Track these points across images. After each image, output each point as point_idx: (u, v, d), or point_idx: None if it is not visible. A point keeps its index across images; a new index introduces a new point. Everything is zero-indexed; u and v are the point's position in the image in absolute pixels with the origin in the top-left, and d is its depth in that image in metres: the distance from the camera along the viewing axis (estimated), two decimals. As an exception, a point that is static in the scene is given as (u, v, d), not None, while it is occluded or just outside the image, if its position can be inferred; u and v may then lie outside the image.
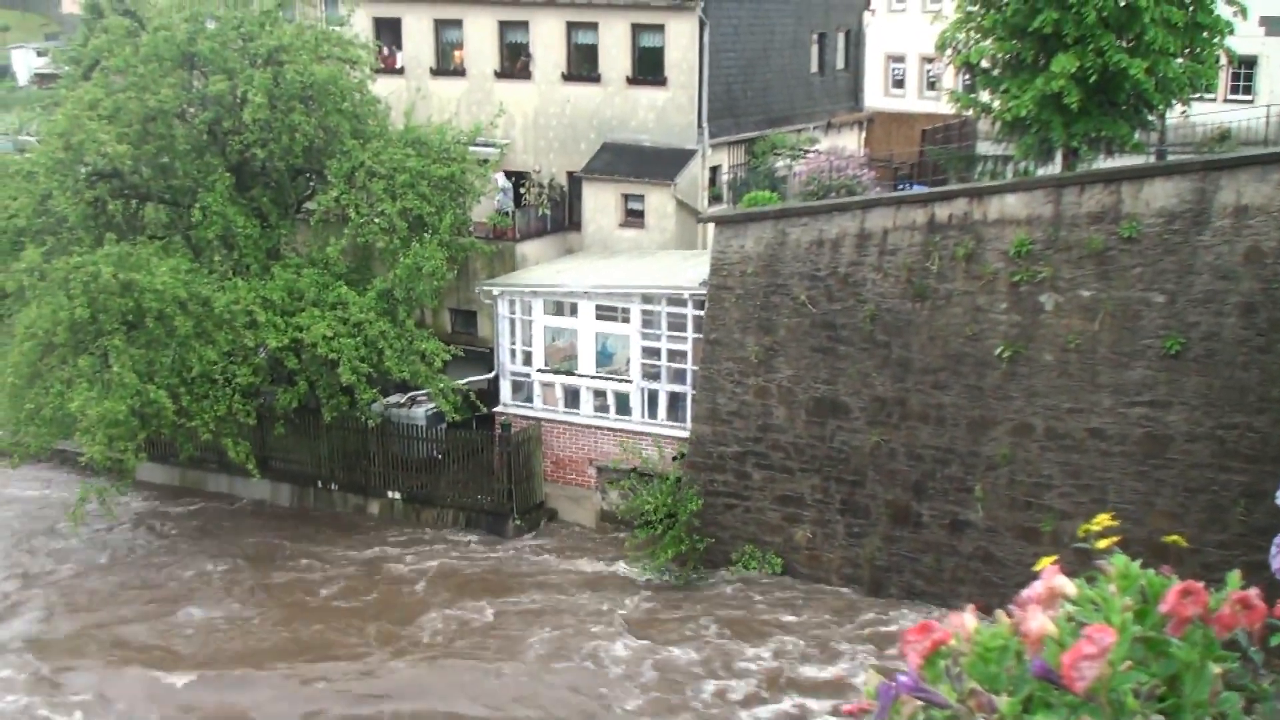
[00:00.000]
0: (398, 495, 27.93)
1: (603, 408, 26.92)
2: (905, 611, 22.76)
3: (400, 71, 33.32)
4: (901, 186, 32.12)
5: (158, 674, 21.47)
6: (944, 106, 38.37)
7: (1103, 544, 2.44)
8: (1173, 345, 20.98)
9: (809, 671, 21.09)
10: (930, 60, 47.92)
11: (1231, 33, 27.87)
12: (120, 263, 23.97)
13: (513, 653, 21.90)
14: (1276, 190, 20.54)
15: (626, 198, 30.81)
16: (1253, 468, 20.49)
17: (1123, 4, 26.11)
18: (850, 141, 37.63)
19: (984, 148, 35.39)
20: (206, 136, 27.35)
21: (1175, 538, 18.29)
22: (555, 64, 31.95)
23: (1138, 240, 21.32)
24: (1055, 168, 29.05)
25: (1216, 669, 2.17)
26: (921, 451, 22.98)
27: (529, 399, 27.71)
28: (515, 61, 32.65)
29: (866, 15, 40.12)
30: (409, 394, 28.68)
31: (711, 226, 26.68)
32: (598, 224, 31.00)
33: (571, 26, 31.75)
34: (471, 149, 28.83)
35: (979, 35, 28.20)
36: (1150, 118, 29.54)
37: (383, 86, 30.45)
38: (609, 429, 26.72)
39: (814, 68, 36.77)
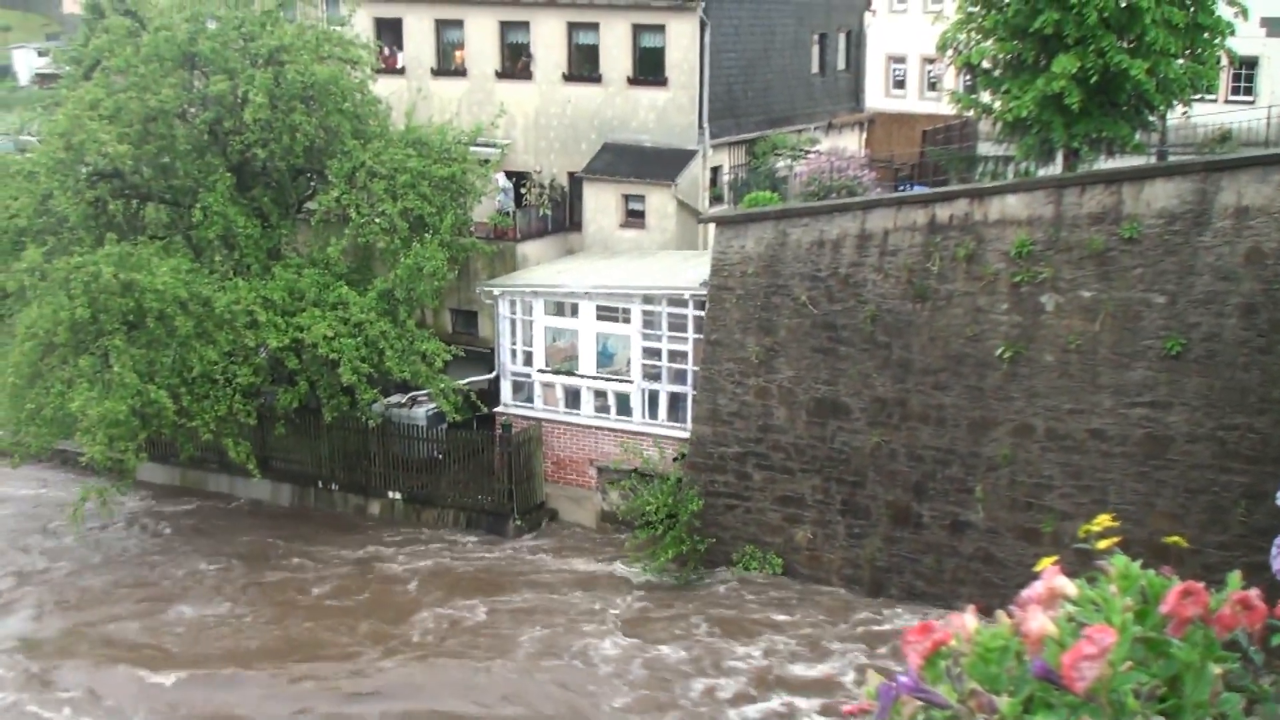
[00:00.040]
0: (398, 495, 27.93)
1: (603, 408, 26.92)
2: (900, 611, 22.80)
3: (401, 72, 33.33)
4: (902, 187, 32.12)
5: (147, 672, 21.51)
6: (945, 107, 38.38)
7: (1103, 545, 2.44)
8: (1173, 346, 20.97)
9: (798, 670, 21.12)
10: (931, 61, 47.92)
11: (1232, 33, 27.86)
12: (121, 263, 23.97)
13: (503, 651, 21.93)
14: (1277, 191, 20.53)
15: (627, 198, 30.81)
16: (1253, 469, 20.48)
17: (1124, 5, 26.11)
18: (851, 142, 37.63)
19: (985, 148, 35.37)
20: (207, 136, 27.36)
21: (1176, 538, 18.32)
22: (556, 64, 31.95)
23: (1138, 241, 21.32)
24: (1056, 168, 29.05)
25: (1217, 670, 2.17)
26: (922, 452, 22.98)
27: (530, 399, 27.71)
28: (516, 62, 32.65)
29: (867, 16, 40.11)
30: (410, 394, 28.68)
31: (712, 227, 26.68)
32: (598, 224, 31.00)
33: (572, 27, 31.76)
34: (472, 149, 28.85)
35: (980, 36, 28.19)
36: (1151, 118, 29.54)
37: (384, 87, 30.45)
38: (610, 429, 26.73)
39: (815, 68, 36.77)
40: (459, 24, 32.98)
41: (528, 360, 27.61)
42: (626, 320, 26.37)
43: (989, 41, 28.03)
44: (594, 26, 31.49)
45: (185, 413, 24.79)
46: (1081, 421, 21.72)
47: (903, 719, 2.18)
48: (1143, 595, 2.24)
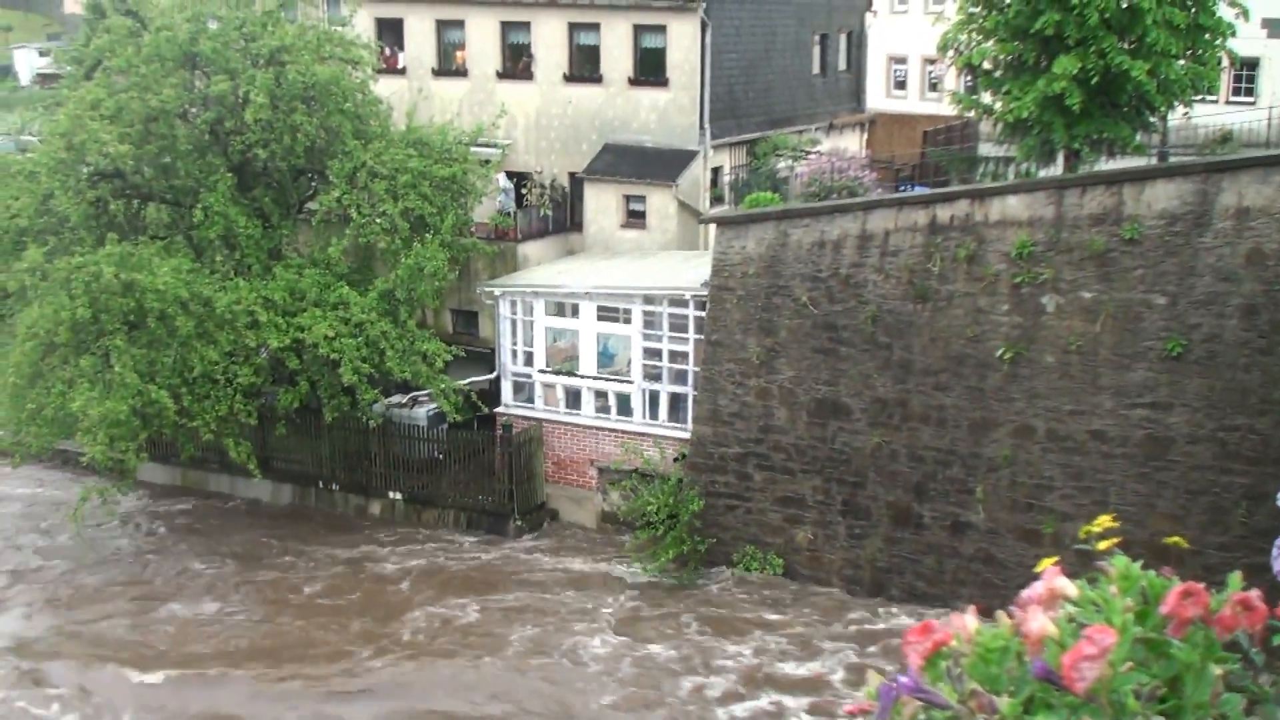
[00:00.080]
0: (399, 496, 27.93)
1: (604, 408, 26.92)
2: (895, 611, 22.84)
3: (402, 72, 33.34)
4: (903, 188, 32.12)
5: (137, 671, 21.56)
6: (946, 108, 38.38)
7: (1104, 545, 2.44)
8: (1174, 347, 20.97)
9: (788, 669, 21.15)
10: (932, 62, 47.92)
11: (1233, 34, 27.88)
12: (122, 263, 23.97)
13: (493, 650, 21.96)
14: (1278, 192, 20.53)
15: (628, 198, 30.81)
16: (1254, 470, 20.48)
17: (1124, 6, 26.12)
18: (852, 143, 37.63)
19: (985, 149, 35.38)
20: (208, 137, 27.37)
21: (1176, 539, 18.33)
22: (557, 65, 31.96)
23: (1139, 242, 21.32)
24: (1057, 169, 29.06)
25: (1218, 670, 2.17)
26: (923, 453, 22.98)
27: (530, 400, 27.72)
28: (517, 62, 32.65)
29: (868, 16, 40.10)
30: (410, 394, 28.69)
31: (713, 227, 26.69)
32: (599, 225, 31.00)
33: (573, 27, 31.76)
34: (473, 149, 28.85)
35: (981, 37, 28.21)
36: (1152, 119, 29.55)
37: (384, 87, 30.46)
38: (610, 430, 26.73)
39: (816, 69, 36.77)
40: (460, 24, 32.98)
41: (528, 360, 27.61)
42: (627, 321, 26.37)
43: (990, 42, 28.05)
44: (595, 27, 31.49)
45: (186, 413, 24.79)
46: (1082, 422, 21.72)
47: (903, 719, 2.18)
48: (1143, 596, 2.24)
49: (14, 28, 75.64)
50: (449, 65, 33.41)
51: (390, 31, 33.76)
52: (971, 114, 31.96)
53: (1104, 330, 21.54)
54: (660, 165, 30.55)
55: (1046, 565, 2.33)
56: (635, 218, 30.79)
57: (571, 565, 25.36)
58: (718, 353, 24.72)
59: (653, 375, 26.29)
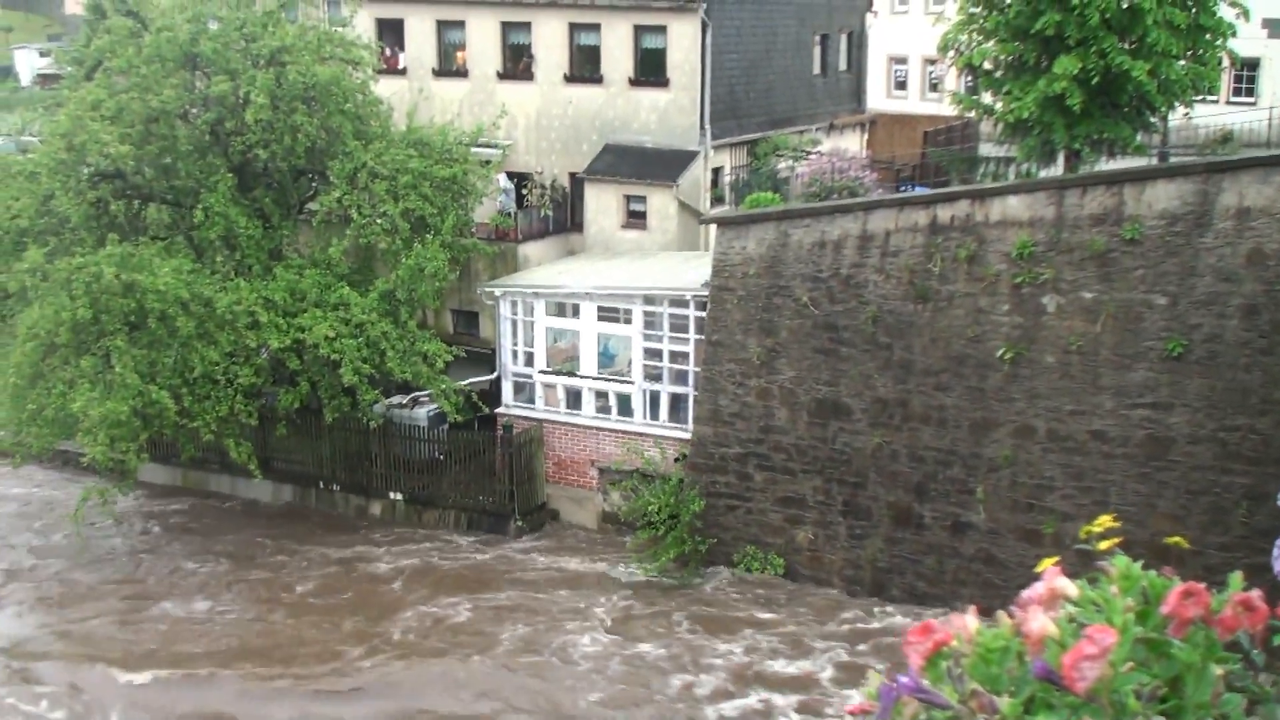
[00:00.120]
0: (399, 496, 27.94)
1: (605, 409, 26.92)
2: (890, 611, 22.87)
3: (403, 72, 33.35)
4: (903, 188, 32.12)
5: (126, 669, 21.62)
6: (946, 108, 38.38)
7: (1104, 545, 2.44)
8: (1175, 347, 20.97)
9: (777, 667, 21.18)
10: (932, 62, 47.93)
11: (1234, 35, 27.88)
12: (122, 263, 23.98)
13: (483, 648, 21.99)
14: (1279, 192, 20.53)
15: (628, 199, 30.81)
16: (1255, 470, 20.48)
17: (1125, 6, 26.12)
18: (852, 143, 37.62)
19: (986, 149, 35.40)
20: (209, 137, 27.37)
21: (1177, 539, 18.32)
22: (557, 65, 31.96)
23: (1140, 242, 21.32)
24: (1057, 169, 29.06)
25: (1218, 670, 2.17)
26: (923, 453, 22.98)
27: (531, 400, 27.72)
28: (518, 62, 32.66)
29: (869, 17, 40.10)
30: (411, 395, 28.69)
31: (713, 228, 26.69)
32: (600, 225, 31.00)
33: (574, 28, 31.76)
34: (474, 150, 28.85)
35: (981, 37, 28.22)
36: (1152, 120, 29.55)
37: (385, 87, 30.46)
38: (611, 430, 26.73)
39: (816, 69, 36.77)
40: (460, 25, 32.99)
41: (529, 361, 27.61)
42: (628, 321, 26.37)
43: (990, 43, 28.06)
44: (595, 27, 31.49)
45: (186, 413, 24.79)
46: (1083, 423, 21.72)
47: (904, 719, 2.18)
48: (1144, 596, 2.24)
49: (14, 28, 75.67)
50: (449, 66, 33.42)
51: (391, 32, 33.77)
52: (972, 114, 31.97)
53: (1105, 330, 21.54)
54: (661, 166, 30.55)
55: (1047, 565, 2.33)
56: (636, 218, 30.79)
57: (566, 565, 25.39)
58: (718, 353, 24.72)
59: (653, 376, 26.29)
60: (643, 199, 30.60)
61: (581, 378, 27.02)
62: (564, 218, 31.89)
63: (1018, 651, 2.19)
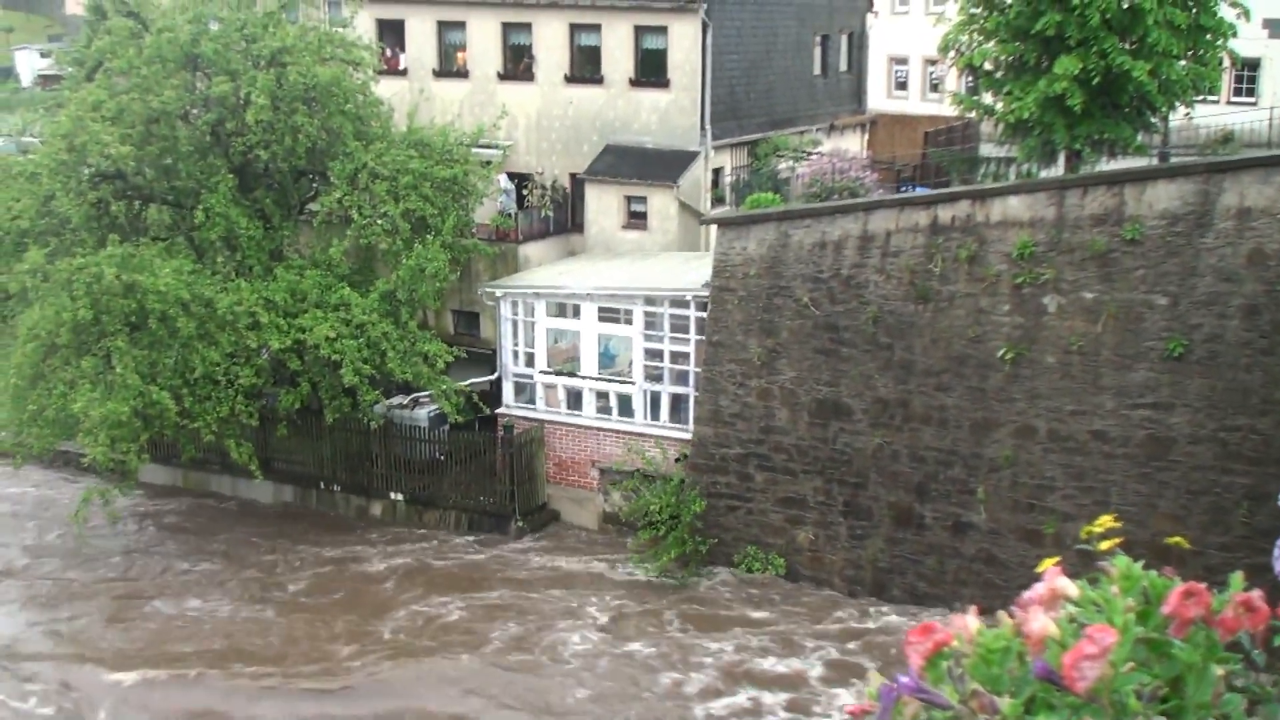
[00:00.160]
0: (400, 497, 27.94)
1: (605, 409, 26.92)
2: (884, 610, 22.88)
3: (403, 73, 33.35)
4: (904, 188, 32.12)
5: (117, 668, 21.64)
6: (947, 109, 38.37)
7: (1105, 546, 2.44)
8: (1175, 347, 20.96)
9: (767, 665, 21.21)
10: (933, 62, 47.93)
11: (1234, 35, 27.88)
12: (123, 264, 23.98)
13: (473, 647, 22.01)
14: (1279, 193, 20.52)
15: (629, 199, 30.81)
16: (1255, 470, 20.48)
17: (1126, 6, 26.12)
18: (853, 143, 37.62)
19: (987, 150, 35.40)
20: (209, 138, 27.38)
21: (1178, 540, 18.30)
22: (558, 66, 31.96)
23: (1140, 242, 21.32)
24: (1058, 170, 29.06)
25: (1219, 670, 2.17)
26: (924, 453, 22.97)
27: (531, 400, 27.72)
28: (518, 63, 32.66)
29: (869, 17, 40.09)
30: (411, 395, 28.70)
31: (714, 228, 26.69)
32: (600, 226, 31.00)
33: (574, 28, 31.76)
34: (474, 150, 28.85)
35: (982, 37, 28.22)
36: (1153, 120, 29.55)
37: (386, 88, 30.47)
38: (611, 431, 26.73)
39: (817, 70, 36.77)
40: (461, 25, 32.99)
41: (530, 361, 27.61)
42: (628, 321, 26.37)
43: (991, 43, 28.06)
44: (596, 28, 31.49)
45: (187, 414, 24.80)
46: (1083, 423, 21.72)
47: (904, 719, 2.18)
48: (1145, 596, 2.24)
49: (15, 29, 75.68)
50: (450, 66, 33.41)
51: (391, 33, 33.77)
52: (972, 115, 31.97)
53: (1105, 331, 21.54)
54: (661, 166, 30.55)
55: (1048, 565, 2.33)
56: (636, 219, 30.79)
57: (560, 564, 25.40)
58: (719, 353, 24.72)
59: (654, 376, 26.29)
60: (643, 199, 30.60)
61: (582, 378, 27.02)
62: (564, 218, 31.88)
63: (1018, 652, 2.19)
